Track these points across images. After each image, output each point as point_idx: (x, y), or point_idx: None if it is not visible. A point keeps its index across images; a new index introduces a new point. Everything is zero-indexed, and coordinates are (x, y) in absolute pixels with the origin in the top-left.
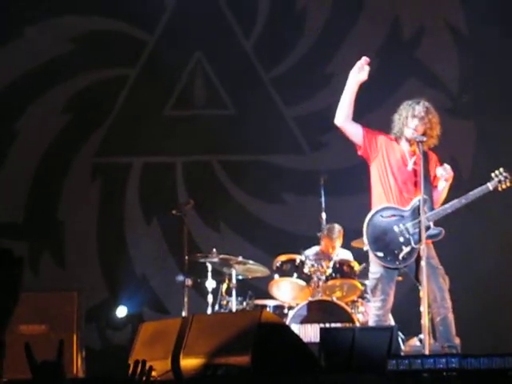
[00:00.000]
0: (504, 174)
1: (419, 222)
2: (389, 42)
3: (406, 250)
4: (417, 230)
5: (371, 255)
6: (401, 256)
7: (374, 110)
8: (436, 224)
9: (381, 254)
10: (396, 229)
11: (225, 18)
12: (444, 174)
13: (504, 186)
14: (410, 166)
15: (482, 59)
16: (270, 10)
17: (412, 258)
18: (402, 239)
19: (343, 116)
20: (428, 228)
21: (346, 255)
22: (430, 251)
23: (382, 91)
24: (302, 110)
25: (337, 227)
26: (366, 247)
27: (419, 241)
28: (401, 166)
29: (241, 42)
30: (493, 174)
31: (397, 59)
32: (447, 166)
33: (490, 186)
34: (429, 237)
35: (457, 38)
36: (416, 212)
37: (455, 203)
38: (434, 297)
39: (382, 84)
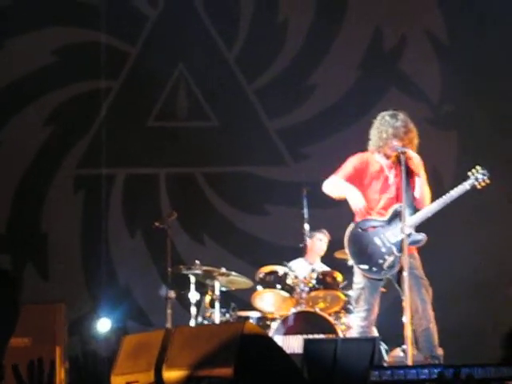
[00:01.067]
0: (481, 171)
1: (399, 229)
2: (370, 52)
3: (389, 259)
4: (398, 238)
5: (356, 268)
6: (385, 266)
7: (357, 120)
8: (418, 230)
9: (365, 267)
10: (377, 240)
11: (207, 30)
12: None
13: (483, 184)
14: (392, 180)
15: (463, 69)
16: (251, 21)
17: (397, 267)
18: (384, 249)
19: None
20: (409, 235)
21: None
22: (414, 262)
23: (364, 102)
24: (284, 122)
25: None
26: (351, 262)
27: (401, 248)
28: (381, 181)
29: (223, 53)
30: (469, 173)
31: (378, 70)
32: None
33: (467, 184)
34: (412, 243)
35: (438, 48)
36: (395, 220)
37: (434, 206)
38: (416, 308)
39: (364, 95)
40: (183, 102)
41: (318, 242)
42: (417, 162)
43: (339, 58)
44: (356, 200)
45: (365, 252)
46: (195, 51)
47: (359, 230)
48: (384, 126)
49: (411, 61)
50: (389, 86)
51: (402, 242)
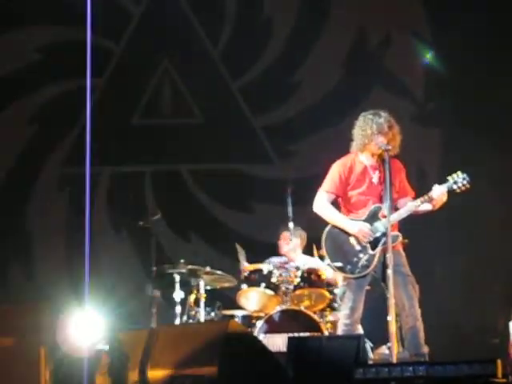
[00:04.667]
0: (461, 175)
1: (375, 228)
2: (355, 51)
3: (364, 257)
4: (372, 238)
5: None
6: (360, 264)
7: (342, 118)
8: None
9: (340, 265)
10: (352, 239)
11: (192, 27)
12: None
13: (463, 188)
14: (376, 180)
15: (447, 66)
16: (236, 18)
17: (372, 265)
18: (358, 248)
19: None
20: (384, 234)
21: (316, 263)
22: (401, 259)
23: (349, 100)
24: (269, 119)
25: (298, 230)
26: (327, 260)
27: (376, 247)
28: (366, 182)
29: (208, 50)
30: (449, 177)
31: (363, 68)
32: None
33: (445, 186)
34: (386, 242)
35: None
36: (372, 219)
37: (410, 207)
38: (403, 305)
39: (349, 93)
40: (168, 99)
41: (286, 241)
42: (398, 164)
43: (324, 55)
44: (350, 227)
45: (340, 250)
46: (180, 48)
47: (336, 229)
48: (368, 124)
49: (395, 59)
50: (373, 84)
51: (377, 240)
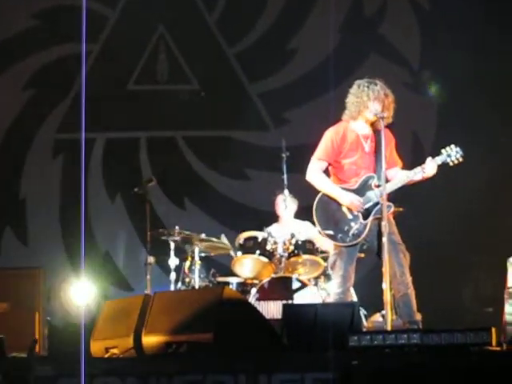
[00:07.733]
0: (455, 149)
1: (367, 198)
2: (351, 17)
3: (355, 226)
4: (365, 206)
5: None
6: (351, 233)
7: (338, 85)
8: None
9: (331, 233)
10: (344, 208)
11: None
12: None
13: (456, 162)
14: (367, 149)
15: (443, 34)
16: None
17: (363, 234)
18: (350, 216)
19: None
20: (377, 204)
21: (309, 228)
22: (391, 226)
23: (345, 67)
24: (265, 86)
25: (292, 197)
26: (318, 228)
27: (368, 216)
28: (358, 151)
29: (204, 16)
30: (443, 150)
31: (359, 35)
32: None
33: (439, 160)
34: (378, 212)
35: (418, 13)
36: (364, 188)
37: (404, 177)
38: (394, 273)
39: (345, 60)
40: (163, 65)
41: (279, 204)
42: (389, 134)
43: (320, 22)
44: (341, 198)
45: (331, 219)
46: (175, 14)
47: (327, 197)
48: (363, 91)
49: (392, 26)
50: (369, 51)
51: (369, 210)
